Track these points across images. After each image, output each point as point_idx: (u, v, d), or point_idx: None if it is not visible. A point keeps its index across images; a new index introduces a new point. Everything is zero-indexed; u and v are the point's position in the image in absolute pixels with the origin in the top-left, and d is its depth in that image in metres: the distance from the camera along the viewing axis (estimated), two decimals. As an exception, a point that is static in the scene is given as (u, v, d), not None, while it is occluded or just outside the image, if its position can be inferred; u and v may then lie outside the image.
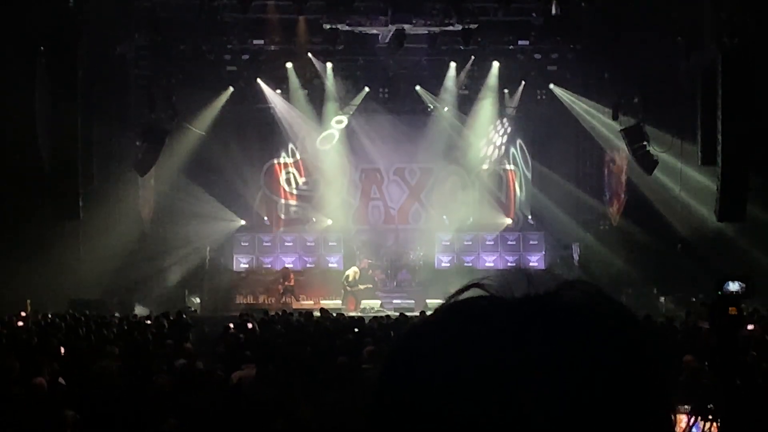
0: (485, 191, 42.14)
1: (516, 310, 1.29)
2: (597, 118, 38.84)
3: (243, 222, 40.39)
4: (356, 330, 22.71)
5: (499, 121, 41.68)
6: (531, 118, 41.71)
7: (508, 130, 42.23)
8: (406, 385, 1.27)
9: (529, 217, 41.54)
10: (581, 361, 1.23)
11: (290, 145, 42.04)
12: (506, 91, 40.75)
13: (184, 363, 16.24)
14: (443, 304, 1.36)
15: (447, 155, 41.34)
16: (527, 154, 42.54)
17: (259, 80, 39.81)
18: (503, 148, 42.52)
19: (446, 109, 40.83)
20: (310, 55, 38.79)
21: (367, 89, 40.83)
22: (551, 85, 40.15)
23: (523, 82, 40.38)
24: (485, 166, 42.15)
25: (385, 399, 1.30)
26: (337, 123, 41.61)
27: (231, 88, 39.91)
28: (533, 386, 1.21)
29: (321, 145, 41.72)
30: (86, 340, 21.06)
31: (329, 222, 40.94)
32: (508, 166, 42.90)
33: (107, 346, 18.98)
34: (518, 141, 42.61)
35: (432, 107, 41.11)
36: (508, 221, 41.89)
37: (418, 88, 40.78)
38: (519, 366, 1.21)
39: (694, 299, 30.07)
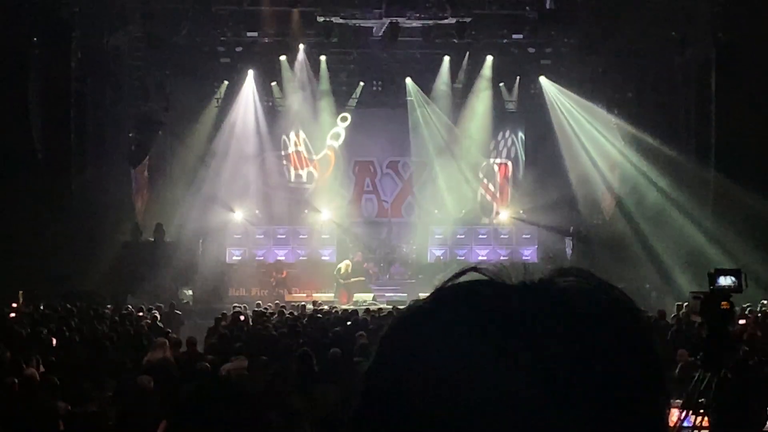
0: (479, 185, 42.14)
1: (515, 294, 1.29)
2: (589, 111, 38.77)
3: (236, 214, 40.30)
4: (348, 323, 22.74)
5: (493, 115, 41.61)
6: (525, 112, 41.71)
7: (503, 123, 42.20)
8: (400, 370, 1.25)
9: (521, 211, 41.49)
10: (580, 345, 1.22)
11: (283, 138, 41.99)
12: (502, 84, 40.74)
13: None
14: (439, 287, 1.34)
15: (441, 149, 41.32)
16: (521, 147, 42.57)
17: (251, 72, 39.78)
18: (497, 141, 42.51)
19: (426, 106, 40.89)
20: (302, 47, 38.79)
21: (362, 84, 40.90)
22: (541, 78, 40.10)
23: (518, 78, 40.42)
24: (479, 160, 42.12)
25: (377, 384, 1.28)
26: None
27: (226, 82, 39.95)
28: (533, 371, 1.20)
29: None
30: (78, 331, 21.04)
31: (322, 215, 40.88)
32: (501, 160, 42.93)
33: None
34: (511, 134, 42.61)
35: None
36: (502, 215, 41.91)
37: (408, 80, 40.78)
38: (519, 351, 1.21)
39: (686, 293, 30.10)
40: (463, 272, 1.34)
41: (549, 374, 1.20)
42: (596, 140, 39.13)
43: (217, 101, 40.40)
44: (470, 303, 1.28)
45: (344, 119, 41.77)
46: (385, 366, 1.29)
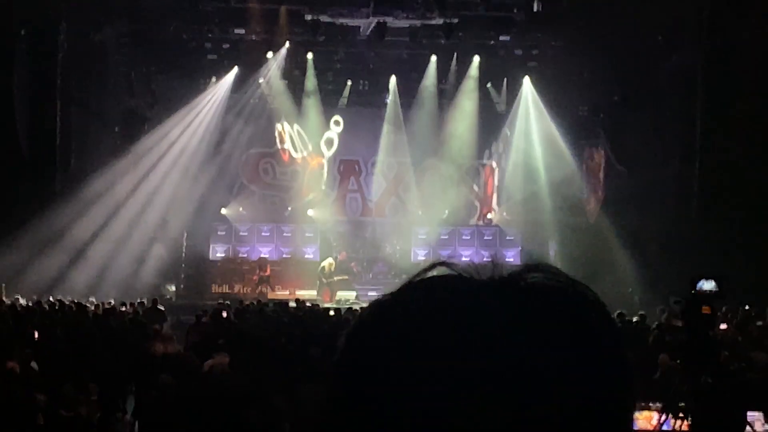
0: (463, 186, 42.13)
1: (482, 289, 1.29)
2: (566, 118, 38.86)
3: (221, 211, 40.25)
4: (331, 321, 22.73)
5: (482, 116, 41.58)
6: (510, 113, 41.72)
7: (491, 125, 42.18)
8: (365, 366, 1.26)
9: (505, 213, 41.53)
10: (543, 342, 1.23)
11: (268, 135, 41.93)
12: (489, 85, 40.75)
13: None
14: (408, 281, 1.35)
15: (426, 149, 41.29)
16: (506, 149, 42.57)
17: (235, 69, 39.79)
18: (482, 142, 42.50)
19: (412, 106, 40.96)
20: (289, 45, 38.79)
21: (350, 83, 40.95)
22: (525, 78, 40.15)
23: (506, 79, 40.48)
24: (465, 161, 42.09)
25: (342, 380, 1.29)
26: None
27: (214, 78, 39.95)
28: (495, 368, 1.21)
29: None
30: (61, 325, 21.01)
31: (306, 213, 40.85)
32: (486, 161, 42.96)
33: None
34: (497, 136, 42.61)
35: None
36: (486, 216, 41.95)
37: (393, 80, 40.83)
38: (484, 345, 1.22)
39: (668, 298, 30.13)
40: (431, 267, 1.36)
41: (511, 372, 1.20)
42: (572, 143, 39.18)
43: (209, 98, 40.38)
44: (435, 298, 1.28)
45: (337, 123, 41.79)
46: (350, 360, 1.30)
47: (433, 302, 1.28)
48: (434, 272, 1.35)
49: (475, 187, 42.78)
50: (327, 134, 42.08)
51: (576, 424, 1.22)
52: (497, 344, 1.21)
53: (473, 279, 1.32)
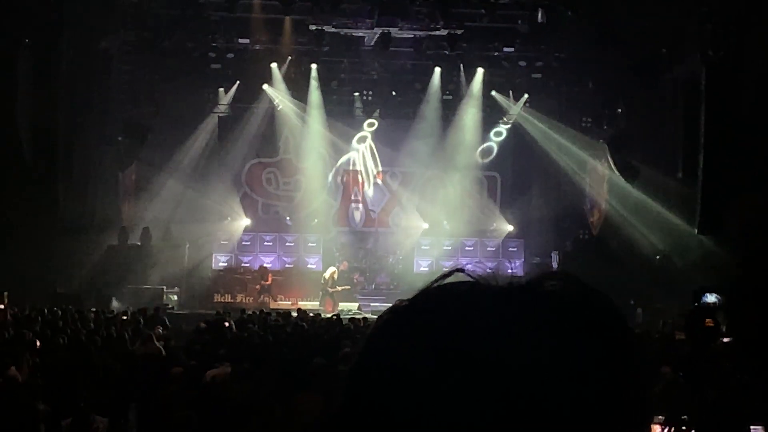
0: (467, 197, 42.05)
1: (502, 295, 1.29)
2: (569, 132, 38.87)
3: (223, 220, 40.24)
4: (333, 332, 22.68)
5: (485, 127, 41.59)
6: (513, 126, 41.72)
7: (492, 136, 42.17)
8: (383, 369, 1.26)
9: (507, 224, 41.49)
10: (561, 349, 1.23)
11: (272, 145, 41.88)
12: (494, 93, 40.63)
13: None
14: (426, 288, 1.35)
15: (430, 160, 41.28)
16: (509, 160, 42.53)
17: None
18: (486, 154, 42.47)
19: (416, 116, 41.00)
20: (293, 55, 38.86)
21: (357, 93, 41.10)
22: (525, 96, 40.27)
23: (511, 91, 40.47)
24: (468, 172, 42.05)
25: (360, 382, 1.29)
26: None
27: (221, 89, 40.08)
28: (517, 372, 1.20)
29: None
30: (63, 334, 20.98)
31: (312, 222, 40.84)
32: (490, 173, 42.91)
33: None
34: (498, 132, 42.46)
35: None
36: (489, 227, 41.89)
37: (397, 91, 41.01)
38: (504, 351, 1.21)
39: (671, 310, 30.11)
40: (449, 273, 1.35)
41: (529, 377, 1.20)
42: (576, 155, 39.18)
43: (213, 108, 40.51)
44: (454, 303, 1.28)
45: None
46: (368, 365, 1.30)
47: (452, 307, 1.27)
48: (451, 279, 1.34)
49: (478, 197, 42.70)
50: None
51: (592, 427, 1.22)
52: (517, 350, 1.21)
53: (492, 286, 1.31)
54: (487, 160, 42.59)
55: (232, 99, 40.43)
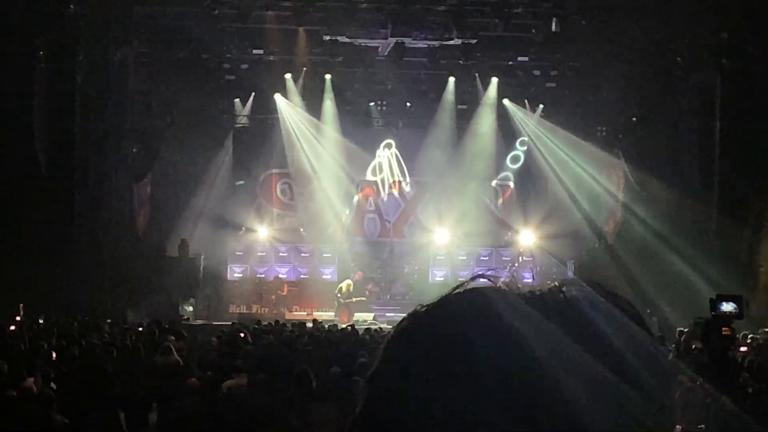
0: (482, 206, 42.04)
1: (523, 301, 1.28)
2: (584, 141, 38.88)
3: (238, 231, 40.28)
4: (348, 342, 22.66)
5: (500, 137, 41.61)
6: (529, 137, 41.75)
7: (507, 145, 42.19)
8: (403, 374, 1.25)
9: (523, 233, 41.42)
10: (586, 351, 1.23)
11: (286, 156, 41.92)
12: (507, 101, 40.65)
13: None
14: (447, 294, 1.34)
15: (445, 170, 41.28)
16: (524, 170, 42.52)
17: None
18: (500, 163, 42.48)
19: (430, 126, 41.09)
20: (307, 66, 38.97)
21: (372, 104, 41.28)
22: (540, 107, 40.36)
23: (526, 100, 40.51)
24: (483, 182, 42.08)
25: (380, 387, 1.28)
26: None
27: (237, 100, 40.27)
28: (540, 377, 1.20)
29: (382, 150, 42.31)
30: (78, 345, 21.00)
31: (327, 231, 40.86)
32: (505, 182, 42.91)
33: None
34: (516, 157, 42.56)
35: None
36: (504, 237, 41.85)
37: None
38: (526, 355, 1.20)
39: (687, 319, 30.00)
40: (471, 279, 1.35)
41: (553, 381, 1.19)
42: (591, 164, 39.16)
43: (229, 119, 40.73)
44: (477, 308, 1.27)
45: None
46: (389, 369, 1.29)
47: (472, 314, 1.27)
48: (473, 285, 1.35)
49: (494, 207, 42.69)
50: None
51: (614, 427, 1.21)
52: (540, 354, 1.20)
53: (512, 292, 1.31)
54: (516, 166, 42.69)
55: (250, 110, 40.63)
